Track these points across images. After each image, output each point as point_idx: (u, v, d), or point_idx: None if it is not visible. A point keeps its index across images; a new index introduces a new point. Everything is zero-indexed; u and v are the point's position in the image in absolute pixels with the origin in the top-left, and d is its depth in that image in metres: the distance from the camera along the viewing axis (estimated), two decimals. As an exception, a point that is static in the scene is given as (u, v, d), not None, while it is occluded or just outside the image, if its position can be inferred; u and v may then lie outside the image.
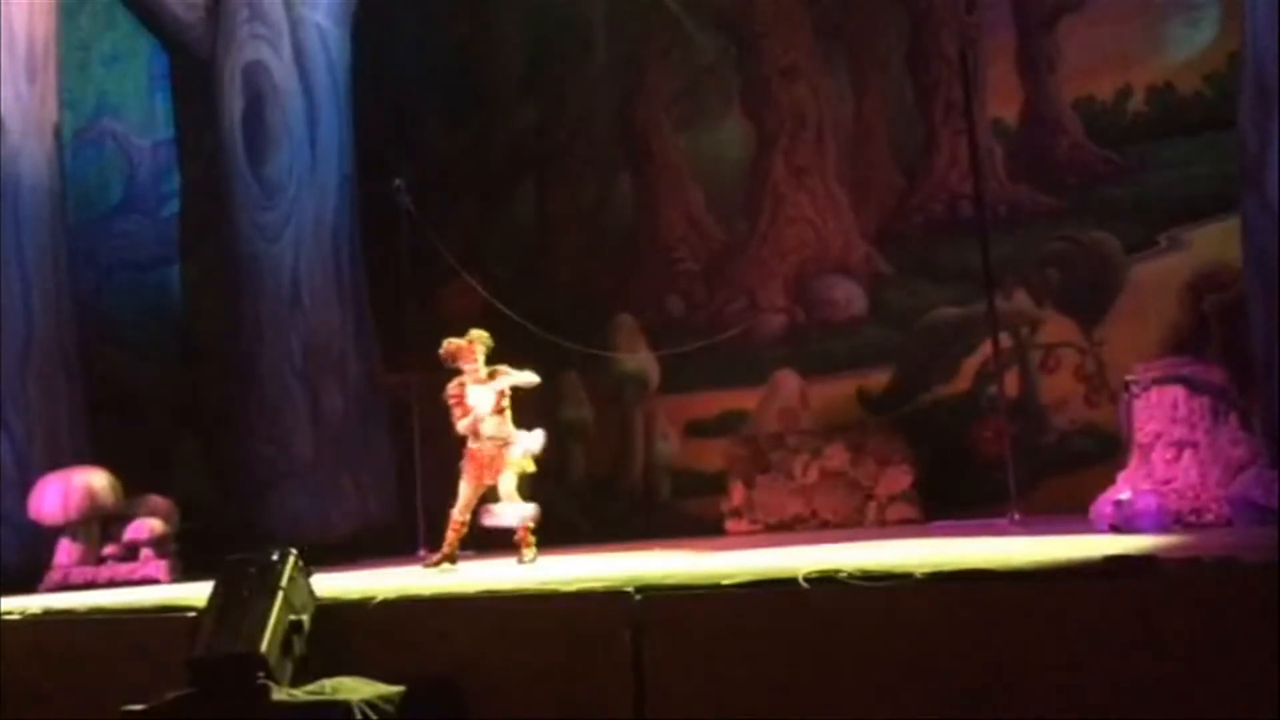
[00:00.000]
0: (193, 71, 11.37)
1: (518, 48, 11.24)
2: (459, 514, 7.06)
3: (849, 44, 9.77)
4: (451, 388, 7.09)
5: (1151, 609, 4.07)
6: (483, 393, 7.00)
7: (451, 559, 7.10)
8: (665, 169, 10.51)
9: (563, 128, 11.00)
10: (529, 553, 6.97)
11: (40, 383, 9.95)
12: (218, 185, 10.87)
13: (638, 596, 4.90)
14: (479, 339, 7.08)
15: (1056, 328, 8.76)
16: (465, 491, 7.05)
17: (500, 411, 7.01)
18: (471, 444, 7.06)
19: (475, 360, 7.02)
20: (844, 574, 4.56)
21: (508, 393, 7.03)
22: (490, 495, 7.10)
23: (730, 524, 9.17)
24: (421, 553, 8.39)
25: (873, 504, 8.79)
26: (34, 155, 10.24)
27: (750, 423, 9.80)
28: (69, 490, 9.02)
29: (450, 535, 7.09)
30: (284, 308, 10.32)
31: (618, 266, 10.59)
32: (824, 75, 9.82)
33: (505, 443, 6.97)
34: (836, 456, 8.97)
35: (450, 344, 7.04)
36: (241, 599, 5.42)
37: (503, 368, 7.06)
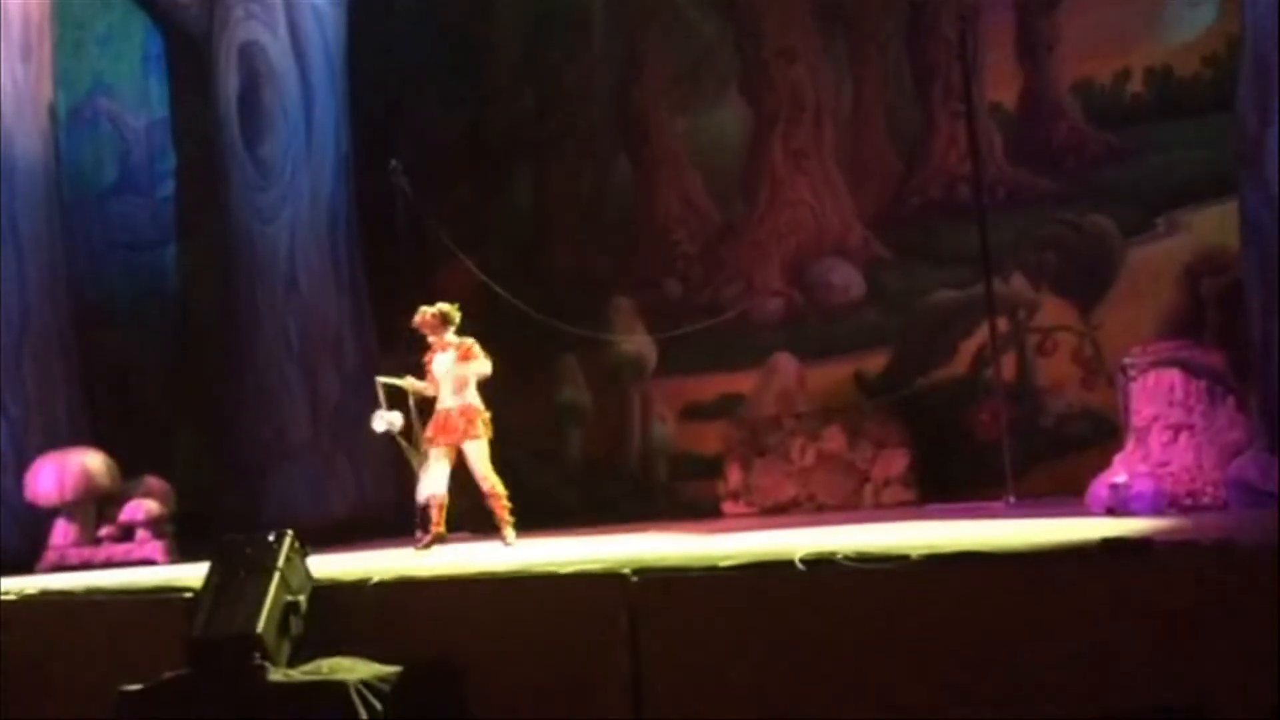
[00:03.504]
0: (187, 52, 11.31)
1: (515, 30, 11.19)
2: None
3: (848, 26, 9.72)
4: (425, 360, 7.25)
5: (1147, 591, 4.08)
6: (443, 360, 7.16)
7: (441, 538, 7.10)
8: (663, 152, 10.48)
9: (560, 111, 10.95)
10: (510, 532, 6.99)
11: (36, 364, 9.94)
12: (213, 166, 10.83)
13: (634, 578, 4.91)
14: (440, 310, 7.23)
15: (1053, 311, 8.75)
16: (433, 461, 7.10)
17: (462, 379, 7.10)
18: (438, 405, 7.13)
19: (439, 332, 7.19)
20: (840, 556, 4.57)
21: (472, 361, 7.10)
22: (461, 466, 7.09)
23: (727, 506, 9.18)
24: (418, 535, 8.39)
25: (869, 487, 8.80)
26: (28, 135, 10.21)
27: (747, 406, 9.80)
28: (65, 471, 9.02)
29: (434, 513, 7.10)
30: (280, 289, 10.29)
31: (615, 249, 10.56)
32: (822, 58, 9.78)
33: (469, 410, 7.06)
34: (833, 439, 8.97)
35: (420, 313, 7.25)
36: (238, 580, 5.43)
37: (473, 344, 7.17)
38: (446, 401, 7.12)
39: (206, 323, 11.41)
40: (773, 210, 9.94)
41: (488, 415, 7.12)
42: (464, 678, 5.15)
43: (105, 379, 11.03)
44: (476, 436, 7.03)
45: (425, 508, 7.16)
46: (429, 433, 7.15)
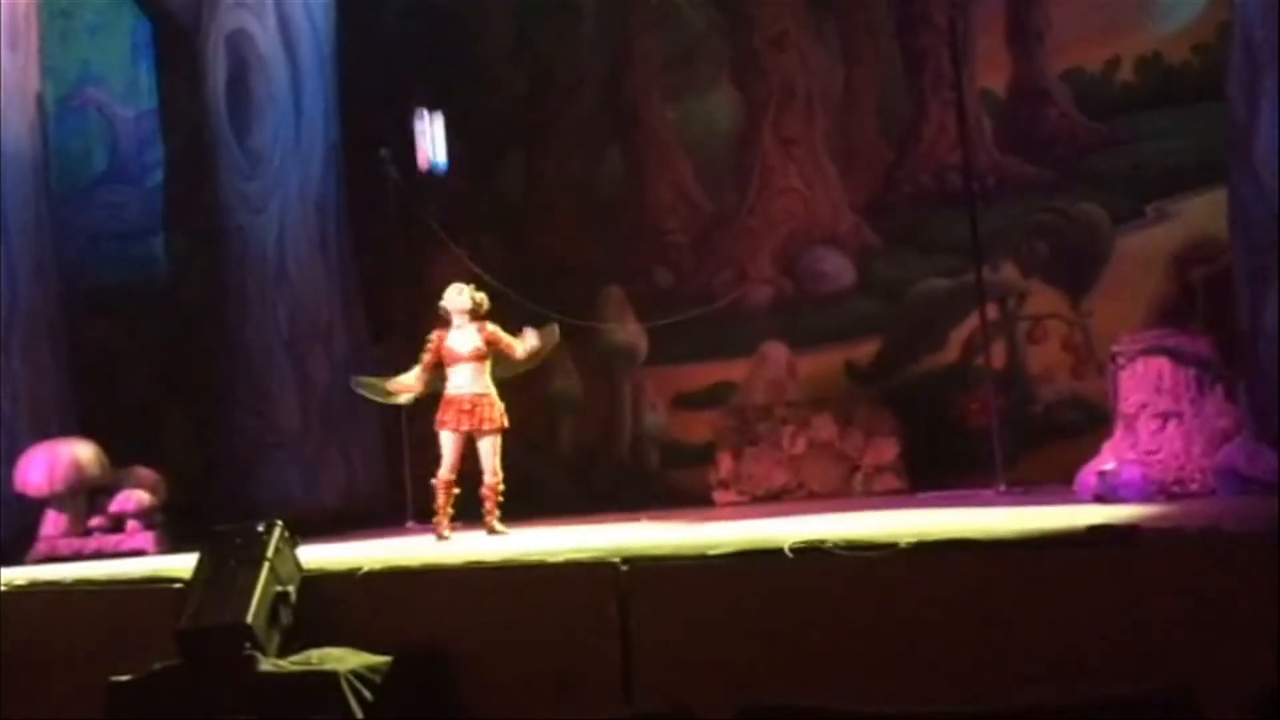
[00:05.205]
0: (176, 40, 11.24)
1: (506, 17, 11.13)
2: (445, 473, 6.96)
3: (839, 13, 9.70)
4: (431, 337, 7.10)
5: (1135, 578, 4.09)
6: (462, 336, 6.99)
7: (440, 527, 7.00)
8: (654, 140, 10.45)
9: (551, 98, 10.92)
10: (498, 523, 6.95)
11: (25, 354, 9.89)
12: (202, 155, 10.77)
13: (624, 567, 4.92)
14: (479, 298, 7.13)
15: (1043, 299, 8.76)
16: (447, 447, 6.93)
17: (480, 360, 6.96)
18: (447, 391, 6.97)
19: (468, 316, 7.03)
20: (829, 544, 4.59)
21: (495, 342, 6.99)
22: (471, 452, 6.99)
23: (718, 495, 9.19)
24: (410, 524, 8.38)
25: (859, 475, 8.82)
26: (16, 124, 10.14)
27: (738, 394, 9.80)
28: (55, 462, 8.99)
29: (440, 499, 6.98)
30: (270, 278, 10.25)
31: (606, 238, 10.54)
32: (814, 45, 9.76)
33: (487, 399, 6.91)
34: (824, 428, 8.98)
35: (458, 289, 7.08)
36: (228, 570, 5.43)
37: (495, 327, 7.08)
38: (463, 387, 6.94)
39: (196, 312, 11.36)
40: (764, 198, 9.92)
41: (502, 406, 6.99)
42: (454, 667, 5.15)
43: (94, 368, 10.99)
44: (496, 429, 6.90)
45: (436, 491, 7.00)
46: (440, 415, 6.97)
